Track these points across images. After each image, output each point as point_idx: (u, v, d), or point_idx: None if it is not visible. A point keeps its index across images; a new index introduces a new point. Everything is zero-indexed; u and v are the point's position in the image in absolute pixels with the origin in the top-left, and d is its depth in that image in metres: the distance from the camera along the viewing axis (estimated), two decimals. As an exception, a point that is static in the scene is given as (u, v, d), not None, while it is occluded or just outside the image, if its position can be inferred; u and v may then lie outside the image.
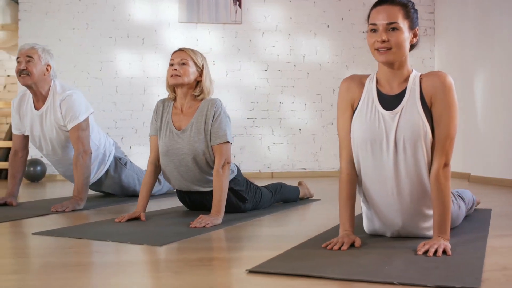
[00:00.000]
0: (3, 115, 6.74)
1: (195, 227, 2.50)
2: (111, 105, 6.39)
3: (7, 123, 6.73)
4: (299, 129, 6.63)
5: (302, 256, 1.85)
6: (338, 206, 2.11)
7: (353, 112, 2.10)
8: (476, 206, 3.04)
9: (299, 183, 3.79)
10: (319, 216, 3.03)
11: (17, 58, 3.34)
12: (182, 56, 2.83)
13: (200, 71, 2.88)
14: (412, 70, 2.06)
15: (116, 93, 6.41)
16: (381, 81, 2.08)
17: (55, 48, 6.14)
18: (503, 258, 1.86)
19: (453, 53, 6.26)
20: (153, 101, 6.09)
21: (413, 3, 2.06)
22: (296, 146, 6.62)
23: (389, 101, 2.03)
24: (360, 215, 2.32)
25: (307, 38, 6.66)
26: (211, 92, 2.94)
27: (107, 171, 3.82)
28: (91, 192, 4.12)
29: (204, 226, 2.51)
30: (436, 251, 1.83)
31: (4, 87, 6.74)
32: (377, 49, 1.97)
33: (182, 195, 3.07)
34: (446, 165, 1.98)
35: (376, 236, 2.19)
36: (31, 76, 3.30)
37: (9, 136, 6.11)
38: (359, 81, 2.12)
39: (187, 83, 2.84)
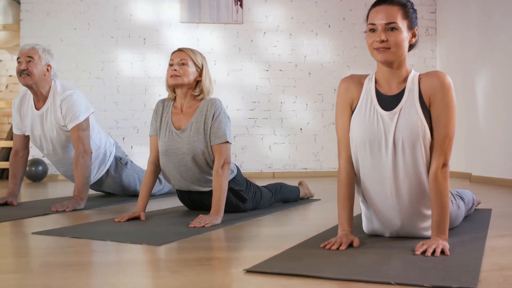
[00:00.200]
0: (5, 115, 6.76)
1: (195, 226, 2.50)
2: (113, 105, 6.40)
3: (9, 123, 6.74)
4: (301, 129, 6.63)
5: (300, 256, 1.85)
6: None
7: (352, 112, 2.10)
8: (476, 206, 3.03)
9: (300, 183, 3.80)
10: (319, 216, 3.03)
11: (18, 59, 3.35)
12: (182, 56, 2.83)
13: (200, 71, 2.88)
14: (411, 70, 2.06)
15: (118, 93, 6.42)
16: (380, 81, 2.08)
17: (57, 48, 6.16)
18: (501, 258, 1.86)
19: (455, 53, 6.25)
20: (154, 101, 6.08)
21: (412, 3, 2.06)
22: (297, 146, 6.62)
23: (388, 101, 2.03)
24: (359, 215, 2.32)
25: (309, 38, 6.66)
26: (211, 92, 2.94)
27: (108, 171, 3.83)
28: (92, 192, 4.12)
29: (203, 226, 2.51)
30: (434, 251, 1.83)
31: (6, 87, 6.75)
32: (376, 49, 1.97)
33: (182, 195, 3.07)
34: (444, 165, 1.98)
35: (374, 236, 2.19)
36: (32, 76, 3.31)
37: (11, 136, 6.12)
38: (358, 81, 2.12)
39: (187, 83, 2.84)
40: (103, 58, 6.39)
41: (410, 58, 6.50)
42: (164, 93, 6.07)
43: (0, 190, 4.66)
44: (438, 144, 1.98)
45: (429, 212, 2.06)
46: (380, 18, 1.97)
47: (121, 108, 6.41)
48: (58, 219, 2.89)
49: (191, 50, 2.88)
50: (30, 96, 3.46)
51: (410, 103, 2.00)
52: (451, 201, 2.26)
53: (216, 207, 2.67)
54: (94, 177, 3.76)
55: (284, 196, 3.45)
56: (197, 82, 2.89)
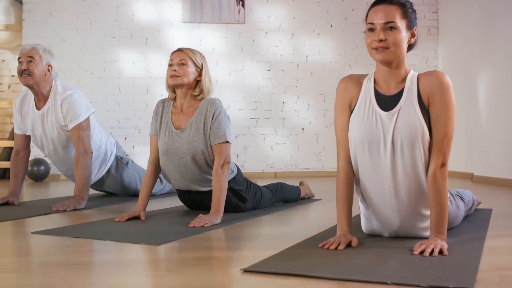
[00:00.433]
0: (8, 115, 6.77)
1: (194, 226, 2.51)
2: (115, 105, 6.41)
3: (11, 123, 6.76)
4: (302, 129, 6.63)
5: (298, 256, 1.85)
6: (338, 206, 2.11)
7: (351, 112, 2.10)
8: (476, 206, 3.03)
9: (300, 183, 3.79)
10: (320, 216, 3.03)
11: (19, 59, 3.36)
12: (181, 57, 2.84)
13: (200, 71, 2.88)
14: (410, 70, 2.06)
15: (120, 93, 6.43)
16: (379, 81, 2.08)
17: (59, 48, 6.18)
18: (499, 258, 1.86)
19: (457, 52, 6.24)
20: (156, 101, 6.06)
21: (411, 3, 2.06)
22: (299, 146, 6.62)
23: (387, 102, 2.03)
24: (359, 215, 2.32)
25: (310, 38, 6.66)
26: (211, 91, 2.94)
27: (109, 170, 3.84)
28: (93, 191, 4.14)
29: (203, 226, 2.52)
30: (432, 251, 1.83)
31: (9, 87, 6.77)
32: (374, 48, 1.97)
33: (183, 194, 3.08)
34: (443, 165, 1.97)
35: (373, 236, 2.19)
36: (33, 76, 3.32)
37: (13, 135, 6.13)
38: (357, 81, 2.12)
39: (187, 83, 2.85)
40: (105, 58, 6.40)
41: (412, 58, 6.55)
42: (166, 93, 6.07)
43: (2, 190, 4.67)
44: (437, 144, 1.97)
45: (428, 212, 2.06)
46: (379, 17, 1.97)
47: (123, 108, 6.42)
48: (58, 219, 2.90)
49: (191, 50, 2.88)
50: (31, 96, 3.47)
51: (408, 103, 2.00)
52: (450, 201, 2.26)
53: (216, 206, 2.67)
54: (95, 176, 3.77)
55: (285, 196, 3.45)
56: (197, 82, 2.90)
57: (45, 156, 5.83)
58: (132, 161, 4.01)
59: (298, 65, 6.64)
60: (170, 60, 2.86)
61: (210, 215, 2.64)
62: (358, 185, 2.13)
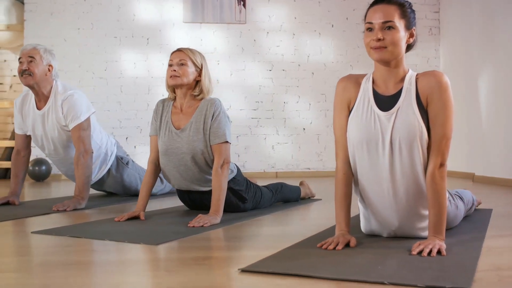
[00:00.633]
0: (9, 114, 6.78)
1: (193, 226, 2.51)
2: (116, 104, 6.42)
3: (13, 123, 6.76)
4: (304, 128, 6.63)
5: (296, 256, 1.85)
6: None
7: (349, 112, 2.10)
8: (477, 206, 3.03)
9: (301, 183, 3.79)
10: (320, 216, 3.03)
11: (19, 59, 3.37)
12: (181, 57, 2.84)
13: (199, 71, 2.89)
14: (409, 70, 2.06)
15: (121, 93, 6.44)
16: (377, 81, 2.08)
17: (60, 48, 6.19)
18: (498, 258, 1.86)
19: (458, 52, 6.23)
20: (157, 101, 6.10)
21: (410, 4, 2.06)
22: (300, 146, 6.62)
23: (385, 102, 2.03)
24: (358, 215, 2.32)
25: (312, 38, 6.65)
26: (211, 91, 2.94)
27: (109, 170, 3.84)
28: (93, 191, 4.14)
29: (202, 226, 2.52)
30: (430, 251, 1.82)
31: (10, 87, 6.78)
32: (373, 48, 1.97)
33: (183, 194, 3.08)
34: (442, 165, 1.97)
35: (372, 236, 2.19)
36: (33, 76, 3.33)
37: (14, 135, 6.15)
38: (355, 81, 2.12)
39: (186, 83, 2.85)
40: (107, 58, 6.41)
41: (414, 58, 6.55)
42: (167, 93, 6.08)
43: (3, 190, 4.68)
44: (436, 144, 1.97)
45: (426, 212, 2.05)
46: (377, 17, 1.97)
47: (124, 108, 6.43)
48: (59, 219, 2.91)
49: (190, 50, 2.88)
50: (31, 96, 3.48)
51: (407, 103, 1.99)
52: (450, 201, 2.26)
53: (215, 206, 2.68)
54: (95, 176, 3.77)
55: (285, 196, 3.45)
56: (197, 82, 2.90)
57: (46, 156, 5.86)
58: (133, 161, 4.01)
59: (299, 65, 6.64)
60: (170, 60, 2.87)
61: (209, 215, 2.64)
62: (356, 185, 2.13)
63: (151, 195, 3.70)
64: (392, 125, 1.99)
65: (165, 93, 6.31)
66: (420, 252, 1.83)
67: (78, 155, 3.34)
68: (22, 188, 3.54)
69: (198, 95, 2.90)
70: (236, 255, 1.99)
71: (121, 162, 3.89)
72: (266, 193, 3.22)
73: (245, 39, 6.57)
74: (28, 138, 3.55)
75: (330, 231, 2.33)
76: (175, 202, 3.56)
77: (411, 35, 2.04)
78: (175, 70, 2.81)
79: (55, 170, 6.06)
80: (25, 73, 3.33)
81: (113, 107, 6.41)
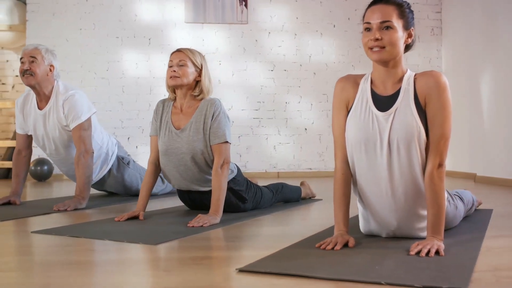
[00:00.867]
0: (12, 115, 6.80)
1: (193, 226, 2.51)
2: (118, 105, 6.43)
3: (15, 123, 6.79)
4: (305, 129, 6.63)
5: (294, 256, 1.85)
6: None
7: (348, 112, 2.10)
8: (477, 206, 3.02)
9: (301, 183, 3.80)
10: (320, 216, 3.03)
11: (21, 59, 3.38)
12: (181, 57, 2.85)
13: (199, 71, 2.89)
14: (407, 70, 2.06)
15: (123, 93, 6.45)
16: (376, 81, 2.08)
17: (62, 48, 6.21)
18: (496, 258, 1.86)
19: (460, 53, 6.23)
20: (159, 101, 6.12)
21: (408, 4, 2.06)
22: (302, 146, 6.62)
23: (383, 102, 2.03)
24: (357, 215, 2.32)
25: (313, 38, 6.65)
26: (211, 91, 2.95)
27: (110, 170, 3.85)
28: (94, 191, 4.15)
29: (201, 226, 2.52)
30: (429, 252, 1.82)
31: (13, 87, 6.80)
32: (371, 48, 1.98)
33: (183, 194, 3.09)
34: (440, 165, 1.97)
35: (371, 236, 2.19)
36: (35, 76, 3.34)
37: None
38: (354, 81, 2.12)
39: (186, 84, 2.86)
40: (108, 58, 6.42)
41: (416, 58, 6.55)
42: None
43: (5, 190, 4.69)
44: (434, 144, 1.97)
45: (425, 213, 2.05)
46: (375, 17, 1.97)
47: (126, 108, 6.44)
48: (59, 218, 2.91)
49: (190, 50, 2.89)
50: (33, 96, 3.49)
51: (405, 104, 2.00)
52: (449, 201, 2.26)
53: (215, 206, 2.68)
54: (96, 176, 3.78)
55: (285, 196, 3.45)
56: (197, 82, 2.90)
57: (47, 156, 5.88)
58: (133, 161, 4.02)
59: (301, 65, 6.64)
60: (170, 61, 2.88)
61: (209, 215, 2.64)
62: (355, 186, 2.13)
63: (152, 195, 3.72)
64: (390, 125, 1.99)
65: (166, 93, 6.30)
66: (418, 253, 1.83)
67: (78, 155, 3.35)
68: (23, 188, 3.55)
69: (198, 95, 2.90)
70: (236, 255, 1.99)
71: (122, 162, 3.90)
72: (266, 193, 3.22)
73: (247, 39, 6.57)
74: (29, 138, 3.56)
75: (329, 231, 2.33)
76: (176, 202, 3.57)
77: (410, 36, 2.04)
78: (175, 71, 2.82)
79: (57, 170, 6.07)
80: (26, 73, 3.34)
81: (115, 107, 6.42)
